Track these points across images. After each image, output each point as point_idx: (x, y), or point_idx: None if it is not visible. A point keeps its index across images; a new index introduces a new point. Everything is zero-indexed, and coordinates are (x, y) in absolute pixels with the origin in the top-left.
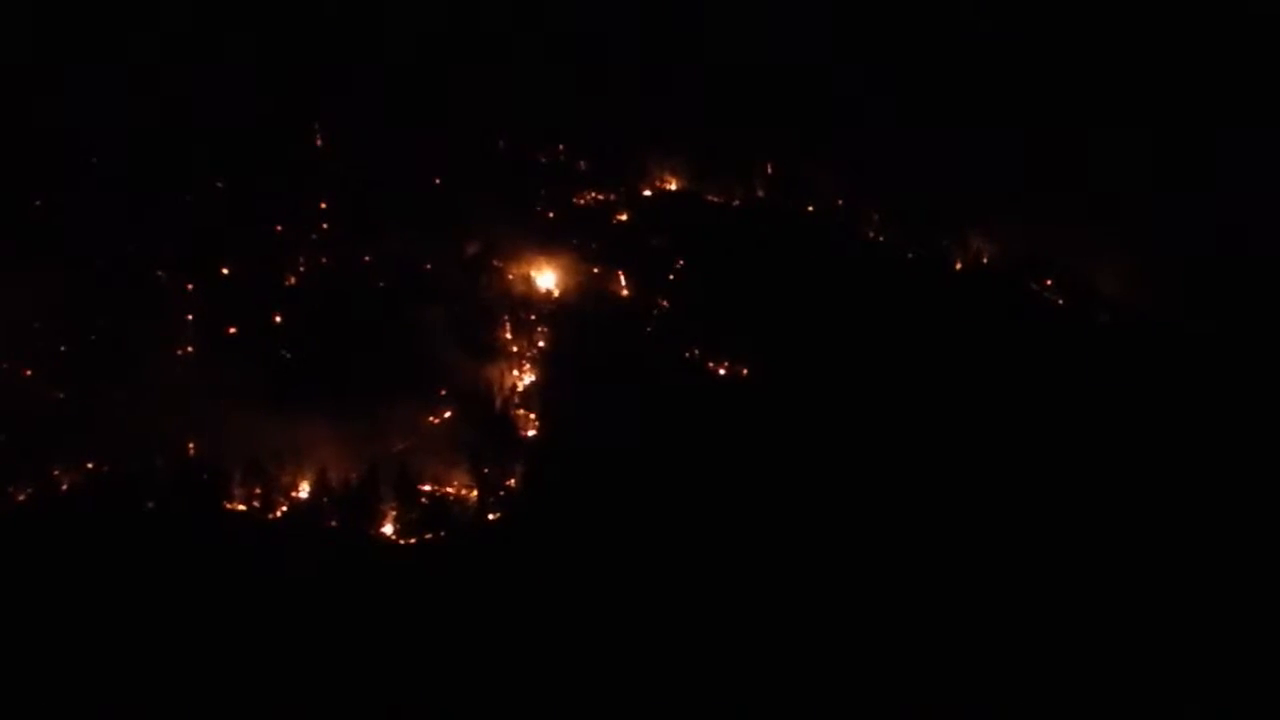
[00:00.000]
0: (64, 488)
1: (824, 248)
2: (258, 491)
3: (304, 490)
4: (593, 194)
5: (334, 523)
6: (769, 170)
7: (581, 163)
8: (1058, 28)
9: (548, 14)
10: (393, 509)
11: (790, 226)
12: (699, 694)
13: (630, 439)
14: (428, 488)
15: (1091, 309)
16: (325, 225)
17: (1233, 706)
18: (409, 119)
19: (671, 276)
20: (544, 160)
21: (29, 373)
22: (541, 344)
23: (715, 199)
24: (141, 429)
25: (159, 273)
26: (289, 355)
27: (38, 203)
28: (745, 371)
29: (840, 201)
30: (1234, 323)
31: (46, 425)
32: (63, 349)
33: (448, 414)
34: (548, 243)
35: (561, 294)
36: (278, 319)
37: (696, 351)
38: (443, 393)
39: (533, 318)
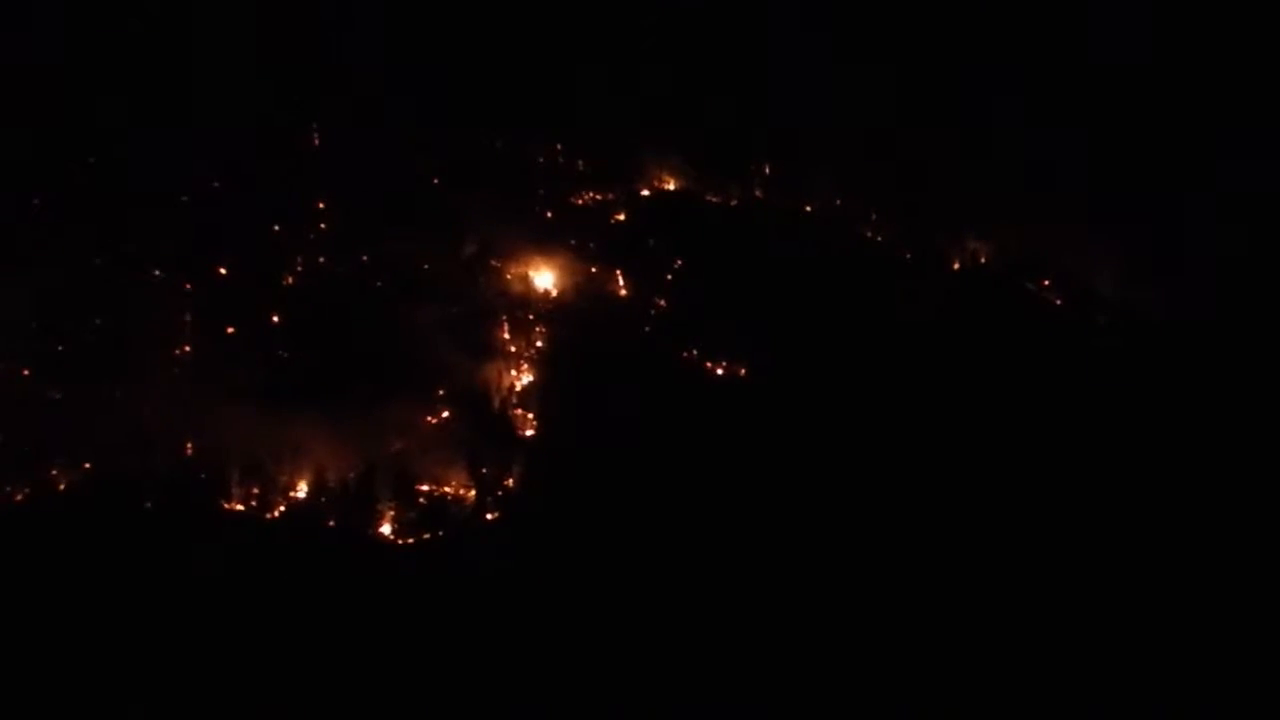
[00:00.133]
0: (61, 487)
1: (822, 248)
2: (256, 491)
3: (302, 490)
4: (591, 194)
5: (332, 522)
6: (767, 170)
7: (579, 162)
8: (1056, 27)
9: (546, 14)
10: (391, 509)
11: (788, 227)
12: (698, 694)
13: (628, 439)
14: (426, 487)
15: (1089, 309)
16: (323, 225)
17: (1233, 706)
18: (407, 119)
19: (670, 276)
20: (542, 160)
21: (27, 372)
22: (539, 344)
23: (714, 199)
24: (139, 429)
25: (156, 272)
26: (286, 355)
27: (35, 202)
28: (743, 371)
29: (838, 202)
30: (1233, 323)
31: (44, 425)
32: (60, 348)
33: (446, 414)
34: (546, 242)
35: (559, 294)
36: (275, 319)
37: (695, 351)
38: (441, 392)
39: (531, 317)
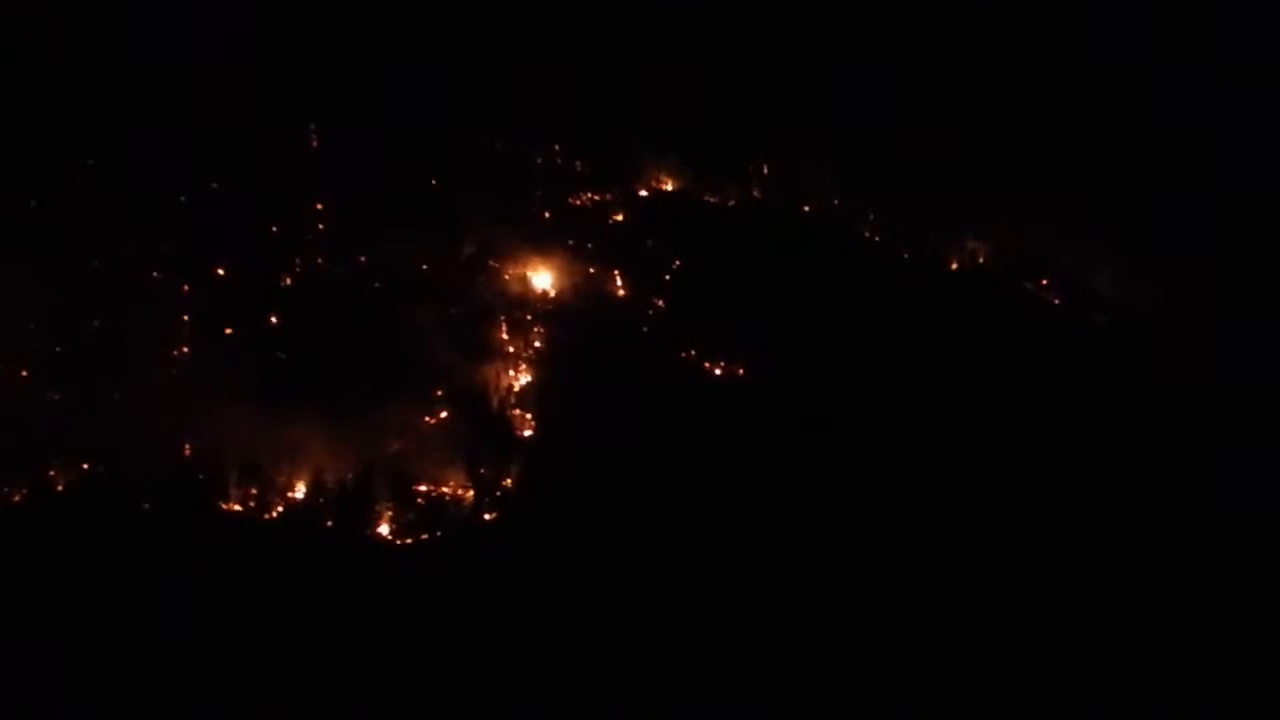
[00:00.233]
0: (60, 488)
1: (820, 248)
2: (254, 492)
3: (300, 490)
4: (589, 194)
5: (330, 523)
6: (765, 171)
7: (577, 163)
8: (1056, 27)
9: (545, 14)
10: (389, 509)
11: (786, 227)
12: (697, 694)
13: (627, 439)
14: (424, 488)
15: (1088, 309)
16: (321, 226)
17: (1233, 706)
18: (405, 119)
19: (668, 277)
20: (540, 160)
21: (25, 373)
22: (538, 344)
23: (711, 199)
24: (137, 429)
25: (155, 273)
26: (285, 356)
27: (33, 202)
28: (741, 372)
29: (836, 202)
30: (1232, 324)
31: (42, 425)
32: (58, 349)
33: (444, 414)
34: (544, 243)
35: (558, 294)
36: (273, 319)
37: (693, 351)
38: (439, 393)
39: (529, 318)
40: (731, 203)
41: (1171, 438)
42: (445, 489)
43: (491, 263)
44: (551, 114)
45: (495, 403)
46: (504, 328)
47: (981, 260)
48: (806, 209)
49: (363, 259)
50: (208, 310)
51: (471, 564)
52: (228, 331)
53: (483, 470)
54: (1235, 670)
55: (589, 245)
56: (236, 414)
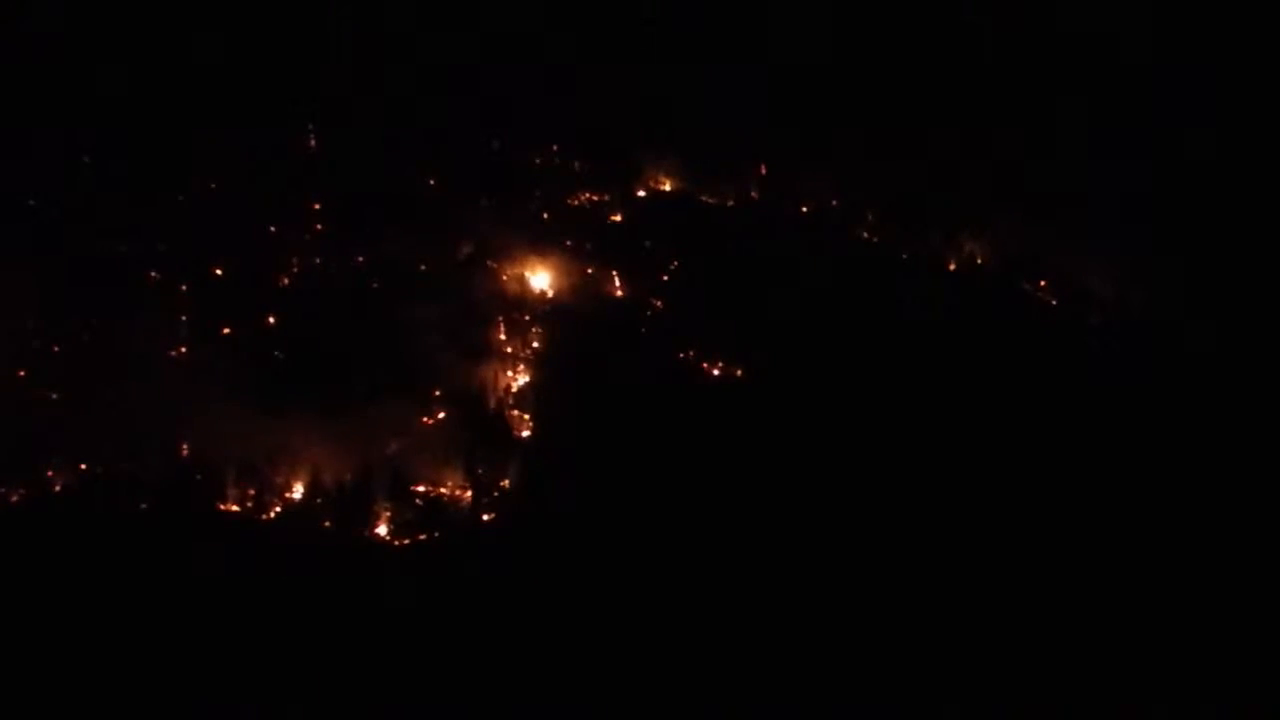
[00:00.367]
0: (57, 489)
1: (818, 248)
2: (251, 492)
3: (297, 491)
4: (587, 194)
5: (328, 523)
6: (763, 171)
7: (575, 163)
8: (1056, 27)
9: (543, 13)
10: (386, 510)
11: (784, 227)
12: (696, 694)
13: (625, 440)
14: (422, 489)
15: (1086, 310)
16: (319, 226)
17: (1233, 705)
18: (403, 119)
19: (666, 277)
20: (537, 160)
21: (22, 374)
22: (535, 344)
23: (710, 200)
24: (134, 430)
25: (152, 273)
26: (282, 356)
27: (30, 202)
28: (739, 372)
29: (834, 202)
30: (1231, 324)
31: (40, 426)
32: (56, 350)
33: (441, 415)
34: (542, 243)
35: (555, 294)
36: (271, 320)
37: (691, 352)
38: (436, 393)
39: (527, 318)
40: (730, 203)
41: (1171, 438)
42: (443, 489)
43: (489, 263)
44: (550, 114)
45: (493, 403)
46: (502, 328)
47: (980, 261)
48: (805, 209)
49: (360, 259)
50: (206, 310)
51: (470, 564)
52: (225, 332)
53: (481, 471)
54: (1235, 670)
55: (587, 245)
56: (234, 414)
